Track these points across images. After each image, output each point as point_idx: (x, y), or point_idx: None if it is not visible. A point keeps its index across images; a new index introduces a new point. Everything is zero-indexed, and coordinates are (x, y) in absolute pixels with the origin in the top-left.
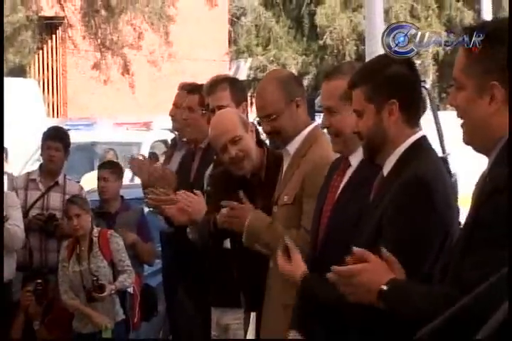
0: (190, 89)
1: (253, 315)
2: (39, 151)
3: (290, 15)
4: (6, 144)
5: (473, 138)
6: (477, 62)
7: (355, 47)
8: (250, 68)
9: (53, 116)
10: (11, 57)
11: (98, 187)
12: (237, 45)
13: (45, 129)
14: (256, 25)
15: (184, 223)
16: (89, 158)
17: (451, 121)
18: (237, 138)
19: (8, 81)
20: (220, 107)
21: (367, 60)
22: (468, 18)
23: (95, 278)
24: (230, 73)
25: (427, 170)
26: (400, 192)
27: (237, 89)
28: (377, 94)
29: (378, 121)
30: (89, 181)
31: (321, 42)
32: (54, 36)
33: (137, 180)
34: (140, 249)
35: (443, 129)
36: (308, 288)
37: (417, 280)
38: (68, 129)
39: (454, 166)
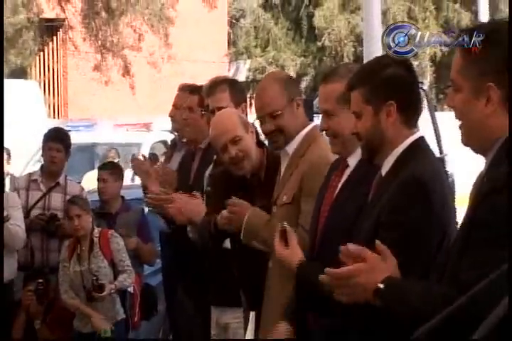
0: (191, 89)
1: (252, 314)
2: (40, 152)
3: (289, 17)
4: (7, 145)
5: (471, 138)
6: (473, 63)
7: (353, 49)
8: (249, 69)
9: (54, 118)
10: (12, 59)
11: (98, 188)
12: (236, 47)
13: (46, 130)
14: (255, 27)
15: (184, 223)
16: (90, 158)
17: (448, 122)
18: (238, 138)
19: (9, 82)
20: (220, 108)
21: (365, 61)
22: (466, 19)
23: (95, 278)
24: (229, 74)
25: (424, 170)
26: (397, 192)
27: (236, 90)
28: (375, 95)
29: (376, 123)
30: (91, 180)
31: (319, 43)
32: (55, 38)
33: (138, 181)
34: (141, 250)
35: (440, 130)
36: (303, 275)
37: (414, 279)
38: (69, 130)
39: (451, 167)
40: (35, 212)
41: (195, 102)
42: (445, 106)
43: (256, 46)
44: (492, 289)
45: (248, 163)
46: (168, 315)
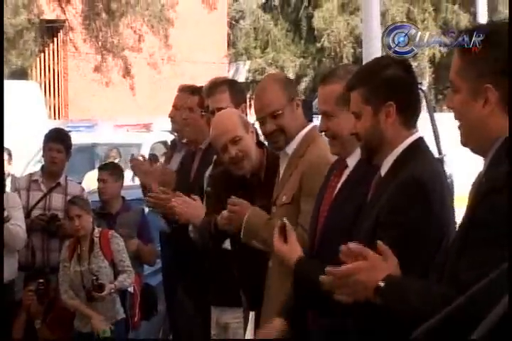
0: (191, 90)
1: (252, 314)
2: (41, 153)
3: (288, 19)
4: (8, 146)
5: (470, 139)
6: (471, 64)
7: (352, 50)
8: (249, 70)
9: (55, 118)
10: (13, 60)
11: (98, 188)
12: (235, 48)
13: (46, 131)
14: (254, 28)
15: (186, 222)
16: (90, 159)
17: (447, 123)
18: (238, 138)
19: (10, 83)
20: (220, 109)
21: (364, 62)
22: (464, 20)
23: (95, 278)
24: (229, 75)
25: (423, 170)
26: (396, 192)
27: (236, 91)
28: (375, 96)
29: (375, 123)
30: (92, 179)
31: (318, 44)
32: (55, 39)
33: (138, 181)
34: (142, 251)
35: (439, 131)
36: (302, 272)
37: (415, 278)
38: (69, 131)
39: (450, 167)
40: (35, 212)
41: (195, 103)
42: (444, 107)
43: (255, 47)
44: (491, 289)
45: (248, 163)
46: (168, 315)
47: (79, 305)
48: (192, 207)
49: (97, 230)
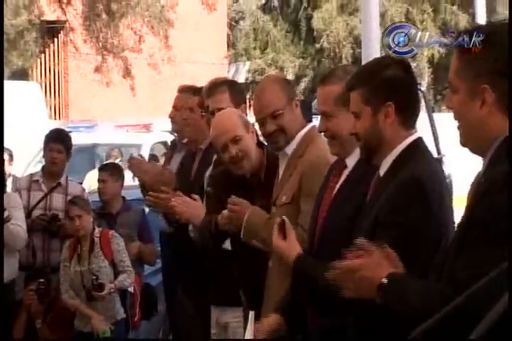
0: (192, 90)
1: (252, 313)
2: (41, 153)
3: (287, 19)
4: (9, 146)
5: (469, 139)
6: (469, 65)
7: (351, 51)
8: (248, 71)
9: (55, 119)
10: (14, 60)
11: (98, 188)
12: (235, 49)
13: (47, 131)
14: (254, 29)
15: (187, 222)
16: (91, 159)
17: (446, 123)
18: (238, 138)
19: (11, 84)
20: (220, 109)
21: (363, 63)
22: (463, 21)
23: (94, 277)
24: (229, 76)
25: (423, 170)
26: (396, 192)
27: (236, 91)
28: (374, 96)
29: (375, 123)
30: (93, 179)
31: (318, 45)
32: (56, 40)
33: (136, 181)
34: (143, 252)
35: (438, 131)
36: (300, 268)
37: (416, 277)
38: (70, 131)
39: (448, 167)
40: (36, 213)
41: (195, 103)
42: (443, 107)
43: (255, 48)
44: (490, 288)
45: (248, 163)
46: (168, 314)
47: (79, 305)
48: (192, 207)
49: (97, 230)
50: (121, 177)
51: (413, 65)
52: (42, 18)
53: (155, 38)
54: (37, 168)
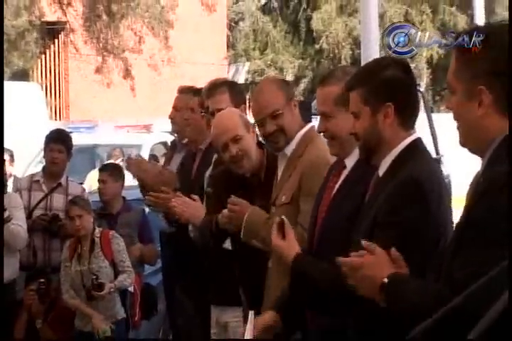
0: (194, 91)
1: (251, 313)
2: (42, 153)
3: (287, 20)
4: (10, 147)
5: (468, 140)
6: (466, 66)
7: (350, 52)
8: (248, 72)
9: (56, 119)
10: (15, 61)
11: (98, 189)
12: (235, 50)
13: (47, 132)
14: (254, 30)
15: (187, 222)
16: (91, 159)
17: (444, 124)
18: (238, 137)
19: (12, 85)
20: (220, 110)
21: (362, 63)
22: (462, 22)
23: (94, 277)
24: (229, 77)
25: (421, 170)
26: (394, 192)
27: (236, 92)
28: (373, 97)
29: (374, 123)
30: (94, 179)
31: (317, 46)
32: (56, 41)
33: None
34: (144, 253)
35: (437, 131)
36: (299, 268)
37: (418, 278)
38: (70, 132)
39: (447, 168)
40: (37, 213)
41: (196, 103)
42: (441, 108)
43: (255, 49)
44: (489, 287)
45: (248, 162)
46: (168, 314)
47: (79, 305)
48: (192, 207)
49: (97, 230)
50: (121, 177)
51: (412, 65)
52: (42, 19)
53: (155, 38)
54: (38, 168)
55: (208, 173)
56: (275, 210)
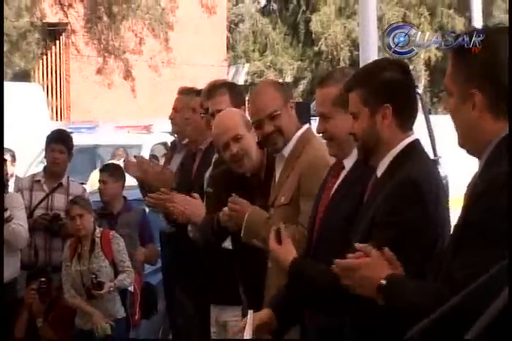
0: (195, 91)
1: (250, 313)
2: (43, 153)
3: (286, 22)
4: (11, 147)
5: (466, 141)
6: (460, 70)
7: (349, 53)
8: (248, 73)
9: (57, 120)
10: (16, 61)
11: (99, 189)
12: (234, 51)
13: (49, 132)
14: (253, 32)
15: (186, 222)
16: (92, 160)
17: (442, 125)
18: (239, 137)
19: (13, 85)
20: (220, 111)
21: (361, 65)
22: (460, 24)
23: (94, 276)
24: (228, 78)
25: (419, 171)
26: (392, 192)
27: (235, 93)
28: (372, 98)
29: (372, 124)
30: (96, 179)
31: (316, 48)
32: (58, 42)
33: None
34: (146, 255)
35: (434, 133)
36: (297, 271)
37: (415, 279)
38: (71, 132)
39: (445, 169)
40: (38, 212)
41: (198, 104)
42: (439, 110)
43: (254, 50)
44: (489, 286)
45: (248, 162)
46: (167, 314)
47: (80, 303)
48: (193, 206)
49: (98, 230)
50: (122, 177)
51: (410, 67)
52: (44, 21)
53: (155, 40)
54: (39, 168)
55: (207, 173)
56: (274, 211)
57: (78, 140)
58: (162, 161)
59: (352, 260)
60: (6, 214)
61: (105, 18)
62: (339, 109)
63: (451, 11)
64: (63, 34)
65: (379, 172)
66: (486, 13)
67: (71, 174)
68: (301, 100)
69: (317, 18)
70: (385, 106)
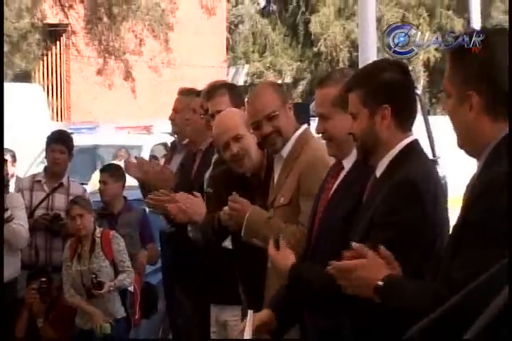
0: (196, 92)
1: (250, 313)
2: (44, 154)
3: (286, 23)
4: (12, 147)
5: (465, 142)
6: (457, 72)
7: (348, 54)
8: (247, 74)
9: (57, 120)
10: (17, 62)
11: (99, 189)
12: (234, 52)
13: (49, 133)
14: (253, 33)
15: (185, 222)
16: (92, 160)
17: (441, 126)
18: (239, 136)
19: (14, 86)
20: (219, 112)
21: (360, 66)
22: (458, 26)
23: (94, 276)
24: (228, 79)
25: (418, 171)
26: (391, 192)
27: (235, 94)
28: (371, 98)
29: (371, 125)
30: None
31: (315, 49)
32: (58, 43)
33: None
34: (148, 257)
35: (433, 133)
36: (296, 275)
37: (413, 280)
38: (72, 133)
39: (443, 169)
40: (39, 212)
41: (198, 104)
42: (438, 110)
43: (254, 51)
44: (488, 285)
45: (249, 161)
46: (167, 314)
47: (80, 302)
48: (195, 204)
49: (98, 230)
50: (122, 178)
51: (409, 68)
52: (44, 21)
53: (155, 41)
54: (39, 168)
55: (207, 174)
56: (273, 212)
57: (78, 140)
58: (162, 162)
59: (348, 261)
60: (7, 214)
61: (105, 19)
62: (338, 110)
63: (450, 12)
64: (64, 35)
65: (378, 173)
66: (485, 15)
67: (71, 174)
68: (300, 101)
69: (316, 19)
70: (384, 106)
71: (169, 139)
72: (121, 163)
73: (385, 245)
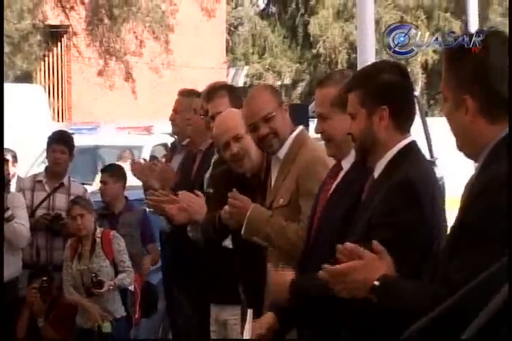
0: (197, 93)
1: (250, 312)
2: (45, 154)
3: (285, 25)
4: (12, 147)
5: (463, 145)
6: (452, 75)
7: (346, 56)
8: (247, 75)
9: (58, 121)
10: (18, 63)
11: (100, 189)
12: (234, 54)
13: (50, 133)
14: (252, 35)
15: (184, 222)
16: (93, 160)
17: (439, 127)
18: (239, 136)
19: (15, 86)
20: (219, 113)
21: (358, 68)
22: (456, 28)
23: (94, 275)
24: (228, 80)
25: (415, 172)
26: (388, 193)
27: (235, 95)
28: (369, 99)
29: (369, 125)
30: None
31: (314, 50)
32: (59, 44)
33: (139, 181)
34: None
35: (431, 135)
36: (298, 288)
37: (409, 279)
38: (72, 133)
39: (441, 170)
40: (40, 212)
41: (199, 105)
42: (436, 112)
43: (253, 53)
44: (487, 285)
45: (248, 161)
46: (167, 313)
47: (80, 299)
48: (196, 203)
49: (98, 230)
50: (122, 178)
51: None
52: (46, 23)
53: (156, 42)
54: (40, 168)
55: (207, 174)
56: (272, 213)
57: (79, 141)
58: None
59: (342, 265)
60: (7, 213)
61: (106, 21)
62: (337, 110)
63: (448, 15)
64: (65, 36)
65: (376, 174)
66: (483, 17)
67: (72, 174)
68: (299, 102)
69: (315, 21)
70: (382, 107)
71: (169, 140)
72: (127, 165)
73: (383, 245)
